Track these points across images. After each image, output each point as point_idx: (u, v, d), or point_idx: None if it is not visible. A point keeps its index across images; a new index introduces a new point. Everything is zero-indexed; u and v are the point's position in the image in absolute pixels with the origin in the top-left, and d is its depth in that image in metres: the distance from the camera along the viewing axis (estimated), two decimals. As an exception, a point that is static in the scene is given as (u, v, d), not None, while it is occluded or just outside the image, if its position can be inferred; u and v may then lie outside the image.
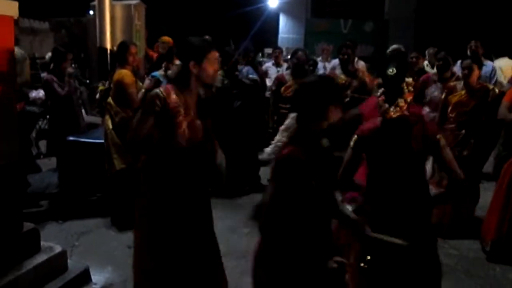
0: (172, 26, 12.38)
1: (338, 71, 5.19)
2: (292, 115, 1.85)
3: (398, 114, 2.14)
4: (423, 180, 2.28)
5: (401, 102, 2.15)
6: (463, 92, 3.99)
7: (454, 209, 3.90)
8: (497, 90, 4.08)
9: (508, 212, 3.55)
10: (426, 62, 6.68)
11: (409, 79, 2.23)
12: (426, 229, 2.24)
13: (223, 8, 12.86)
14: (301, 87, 1.94)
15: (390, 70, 2.24)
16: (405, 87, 2.19)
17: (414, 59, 5.21)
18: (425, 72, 4.97)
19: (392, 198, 2.18)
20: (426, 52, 6.97)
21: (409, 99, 2.17)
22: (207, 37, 4.79)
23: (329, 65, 6.91)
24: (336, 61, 6.04)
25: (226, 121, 4.79)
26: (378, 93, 2.26)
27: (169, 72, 2.77)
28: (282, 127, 1.85)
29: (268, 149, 1.94)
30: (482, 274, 3.49)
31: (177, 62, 2.46)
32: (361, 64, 6.44)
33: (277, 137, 1.91)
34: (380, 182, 2.23)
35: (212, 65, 2.42)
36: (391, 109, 2.14)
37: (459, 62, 4.55)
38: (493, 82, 5.34)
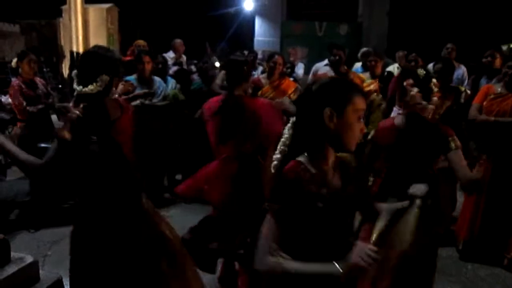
0: (146, 29, 12.24)
1: (330, 73, 5.06)
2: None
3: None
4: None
5: (434, 100, 2.40)
6: None
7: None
8: (468, 92, 4.17)
9: (479, 212, 3.65)
10: (396, 65, 6.76)
11: (434, 80, 2.46)
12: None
13: (198, 11, 12.80)
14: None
15: (420, 70, 2.45)
16: (433, 87, 2.42)
17: (373, 63, 5.20)
18: (393, 75, 4.99)
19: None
20: (396, 55, 7.06)
21: (436, 97, 2.43)
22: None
23: (297, 68, 6.96)
24: (319, 64, 5.90)
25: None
26: (413, 92, 2.41)
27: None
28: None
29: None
30: (454, 272, 3.58)
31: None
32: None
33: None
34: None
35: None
36: (429, 106, 2.38)
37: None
38: (464, 84, 5.45)
